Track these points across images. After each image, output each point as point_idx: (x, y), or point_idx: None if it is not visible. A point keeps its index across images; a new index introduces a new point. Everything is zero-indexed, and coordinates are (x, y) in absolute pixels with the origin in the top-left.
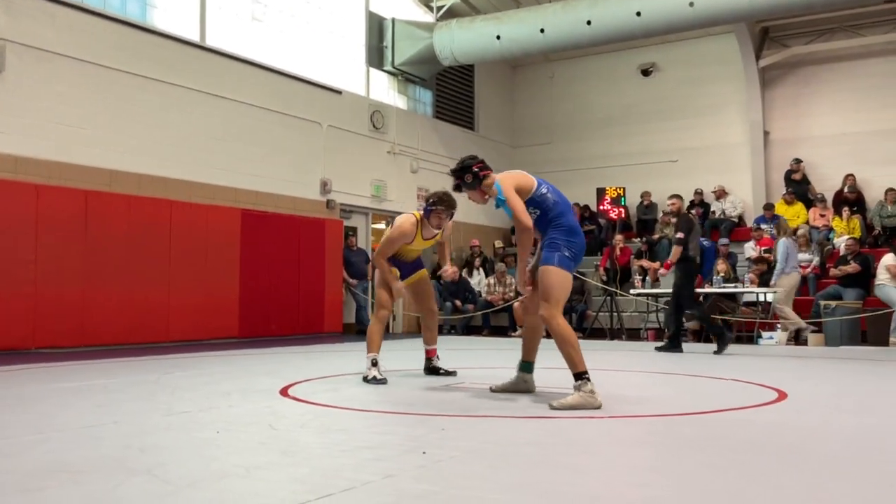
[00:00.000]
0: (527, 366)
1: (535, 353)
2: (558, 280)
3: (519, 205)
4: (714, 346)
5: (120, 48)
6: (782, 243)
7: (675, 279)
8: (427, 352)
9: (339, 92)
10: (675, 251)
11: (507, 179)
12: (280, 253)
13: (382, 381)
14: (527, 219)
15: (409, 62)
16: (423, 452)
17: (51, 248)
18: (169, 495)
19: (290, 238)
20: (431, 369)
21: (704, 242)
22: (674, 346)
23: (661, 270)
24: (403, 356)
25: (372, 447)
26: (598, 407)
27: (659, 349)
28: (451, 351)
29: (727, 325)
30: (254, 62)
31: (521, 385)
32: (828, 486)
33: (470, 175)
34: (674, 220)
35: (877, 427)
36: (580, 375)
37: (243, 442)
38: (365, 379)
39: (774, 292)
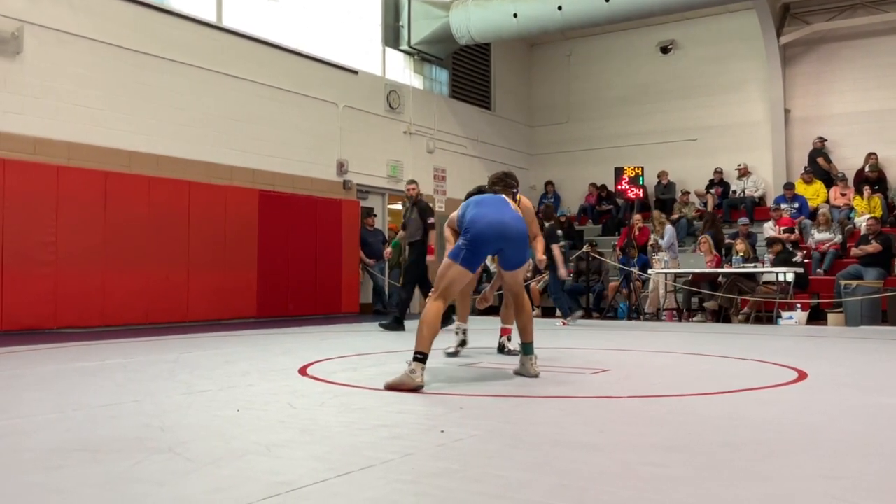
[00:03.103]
0: (526, 347)
1: (531, 334)
2: (440, 271)
3: (447, 234)
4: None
5: (137, 29)
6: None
7: (412, 259)
8: (502, 329)
9: (355, 72)
10: (433, 235)
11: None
12: (297, 233)
13: (452, 354)
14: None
15: (425, 41)
16: (442, 431)
17: (71, 228)
18: (190, 473)
19: (308, 218)
20: (499, 346)
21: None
22: (398, 323)
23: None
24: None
25: (391, 426)
26: (415, 388)
27: (382, 325)
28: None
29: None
30: (270, 42)
31: (521, 370)
32: (846, 465)
33: None
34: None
35: None
36: (415, 355)
37: (263, 420)
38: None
39: (797, 271)
